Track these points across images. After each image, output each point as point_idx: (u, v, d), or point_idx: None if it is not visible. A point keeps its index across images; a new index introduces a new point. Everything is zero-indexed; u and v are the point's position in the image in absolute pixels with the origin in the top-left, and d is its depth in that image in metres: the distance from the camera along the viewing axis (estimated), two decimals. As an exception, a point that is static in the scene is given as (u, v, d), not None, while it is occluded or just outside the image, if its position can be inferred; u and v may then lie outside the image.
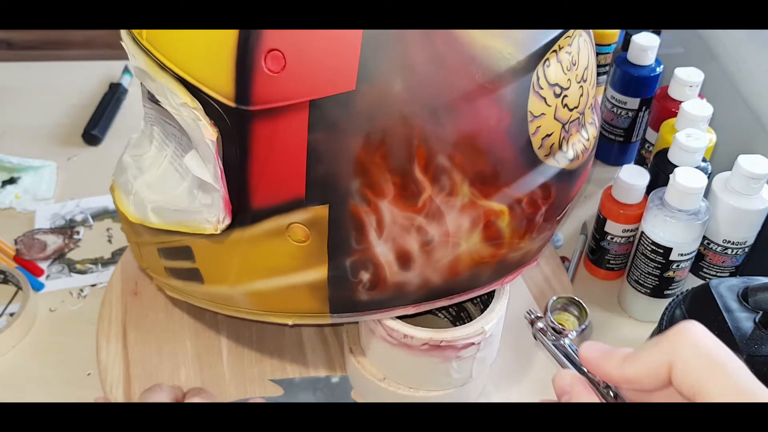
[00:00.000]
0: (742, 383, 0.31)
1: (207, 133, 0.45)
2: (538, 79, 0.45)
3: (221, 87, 0.43)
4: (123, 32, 0.49)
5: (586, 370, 0.37)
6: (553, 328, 0.41)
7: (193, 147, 0.49)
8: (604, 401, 0.36)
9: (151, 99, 0.55)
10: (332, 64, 0.42)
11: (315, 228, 0.46)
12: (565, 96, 0.47)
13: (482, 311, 0.55)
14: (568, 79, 0.47)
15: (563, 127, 0.48)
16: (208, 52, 0.43)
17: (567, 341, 0.41)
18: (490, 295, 0.55)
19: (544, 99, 0.46)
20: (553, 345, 0.41)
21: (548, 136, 0.47)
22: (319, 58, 0.41)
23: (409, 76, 0.42)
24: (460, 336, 0.51)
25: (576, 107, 0.49)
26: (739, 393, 0.31)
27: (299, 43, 0.41)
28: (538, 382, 0.61)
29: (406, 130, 0.43)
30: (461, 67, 0.42)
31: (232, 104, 0.43)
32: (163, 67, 0.45)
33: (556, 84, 0.46)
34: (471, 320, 0.53)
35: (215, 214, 0.48)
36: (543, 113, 0.46)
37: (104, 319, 0.64)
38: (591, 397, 0.36)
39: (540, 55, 0.45)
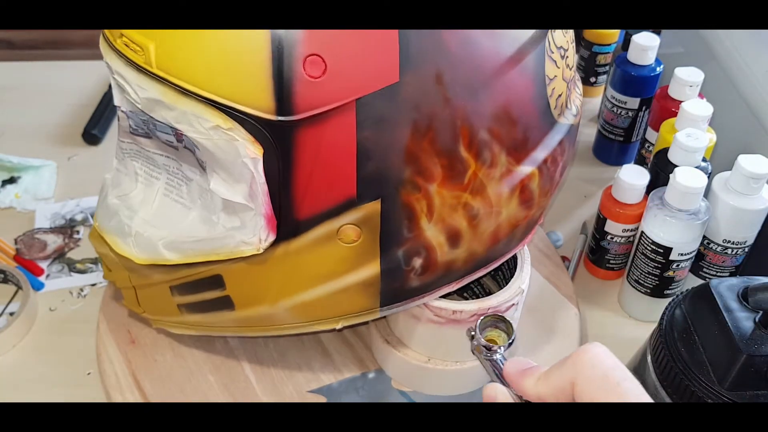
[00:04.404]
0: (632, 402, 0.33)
1: (249, 151, 0.43)
2: (549, 44, 0.48)
3: (258, 102, 0.42)
4: (120, 65, 0.45)
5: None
6: (484, 346, 0.46)
7: (211, 171, 0.47)
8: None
9: (134, 132, 0.52)
10: (373, 60, 0.42)
11: (367, 225, 0.47)
12: (567, 57, 0.51)
13: (493, 277, 0.56)
14: (566, 41, 0.51)
15: (567, 86, 0.51)
16: (239, 68, 0.41)
17: (498, 356, 0.45)
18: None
19: (555, 62, 0.49)
20: (486, 360, 0.45)
21: (560, 96, 0.50)
22: (359, 56, 0.42)
23: (446, 60, 0.43)
24: (504, 299, 0.54)
25: (573, 66, 0.53)
26: None
27: (337, 45, 0.41)
28: (557, 342, 0.63)
29: (450, 112, 0.44)
30: (490, 43, 0.45)
31: (273, 117, 0.42)
32: (184, 93, 0.43)
33: (561, 47, 0.50)
34: (483, 289, 0.54)
35: (254, 233, 0.47)
36: (555, 75, 0.49)
37: (110, 376, 0.59)
38: None
39: None
